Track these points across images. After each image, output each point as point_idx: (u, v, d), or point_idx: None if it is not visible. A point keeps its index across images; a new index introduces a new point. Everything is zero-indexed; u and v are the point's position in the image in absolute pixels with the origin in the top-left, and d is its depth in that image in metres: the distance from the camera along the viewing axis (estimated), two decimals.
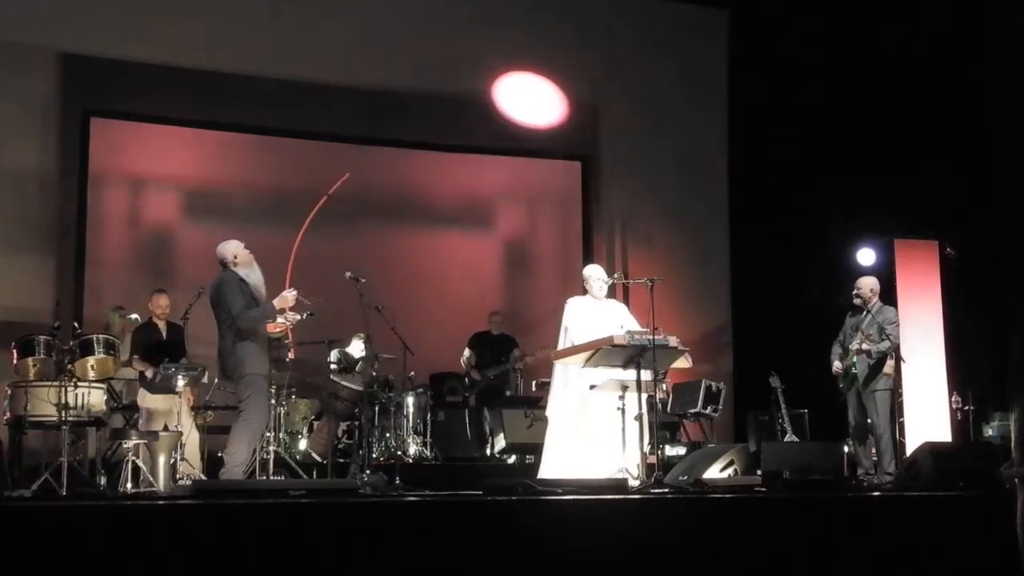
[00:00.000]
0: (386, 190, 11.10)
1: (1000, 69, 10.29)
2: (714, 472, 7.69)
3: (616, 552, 5.82)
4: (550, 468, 7.62)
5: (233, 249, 7.45)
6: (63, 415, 7.20)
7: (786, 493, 7.10)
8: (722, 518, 6.25)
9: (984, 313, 10.20)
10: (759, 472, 7.65)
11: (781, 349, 10.24)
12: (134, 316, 9.06)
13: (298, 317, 7.59)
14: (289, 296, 7.40)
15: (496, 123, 11.61)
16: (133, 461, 7.23)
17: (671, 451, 9.51)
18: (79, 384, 7.51)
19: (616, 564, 5.81)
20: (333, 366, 8.96)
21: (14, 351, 7.93)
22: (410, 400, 9.46)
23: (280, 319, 7.46)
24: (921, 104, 10.80)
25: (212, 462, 8.21)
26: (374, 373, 8.63)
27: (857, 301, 8.74)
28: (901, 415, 9.89)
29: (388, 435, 9.04)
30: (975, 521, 6.39)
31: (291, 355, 8.09)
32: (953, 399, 10.03)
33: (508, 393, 10.50)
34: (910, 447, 9.42)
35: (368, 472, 7.48)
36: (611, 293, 8.09)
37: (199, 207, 10.62)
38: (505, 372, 10.53)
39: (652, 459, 7.56)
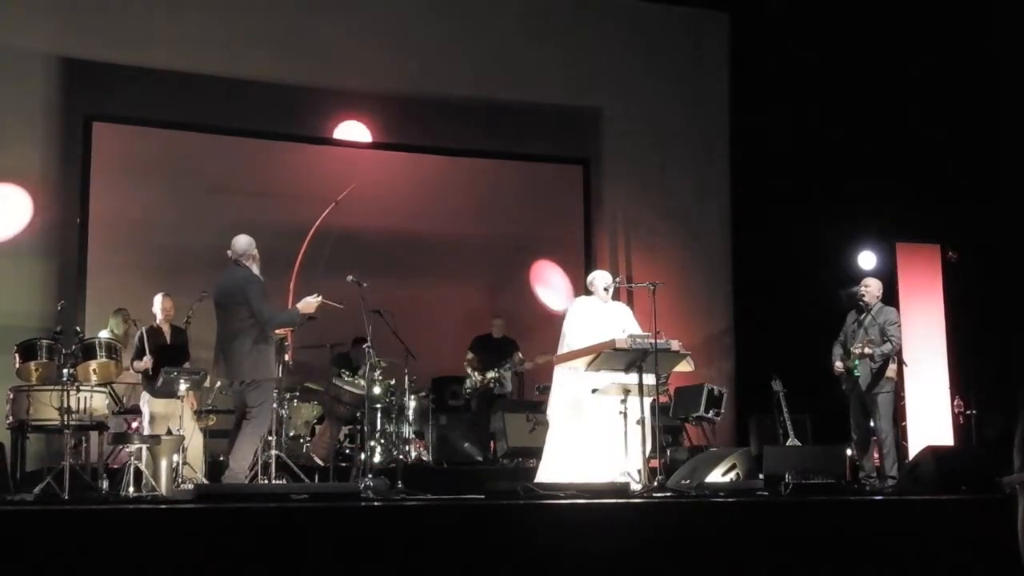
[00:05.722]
0: (387, 194, 11.10)
1: (1006, 70, 10.31)
2: (716, 476, 7.69)
3: (618, 556, 5.83)
4: (549, 471, 7.62)
5: (250, 246, 7.33)
6: (65, 419, 7.21)
7: (788, 497, 7.11)
8: (724, 522, 6.25)
9: (986, 317, 10.19)
10: (761, 476, 7.66)
11: (783, 352, 10.23)
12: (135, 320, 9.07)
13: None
14: (314, 301, 7.31)
15: (497, 127, 11.62)
16: (135, 465, 7.22)
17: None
18: (81, 388, 7.51)
19: (618, 568, 5.81)
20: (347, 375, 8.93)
21: (16, 355, 7.93)
22: (412, 404, 9.46)
23: None
24: (923, 106, 10.80)
25: (214, 466, 8.21)
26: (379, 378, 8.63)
27: (861, 302, 8.73)
28: (904, 419, 9.89)
29: (390, 439, 9.03)
30: (977, 524, 6.39)
31: (288, 357, 8.07)
32: (955, 403, 10.03)
33: (508, 395, 10.51)
34: (912, 450, 9.42)
35: (370, 476, 7.48)
36: (614, 297, 8.11)
37: (201, 212, 10.62)
38: (503, 375, 10.53)
39: (654, 463, 7.56)
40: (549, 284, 11.86)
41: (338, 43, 11.08)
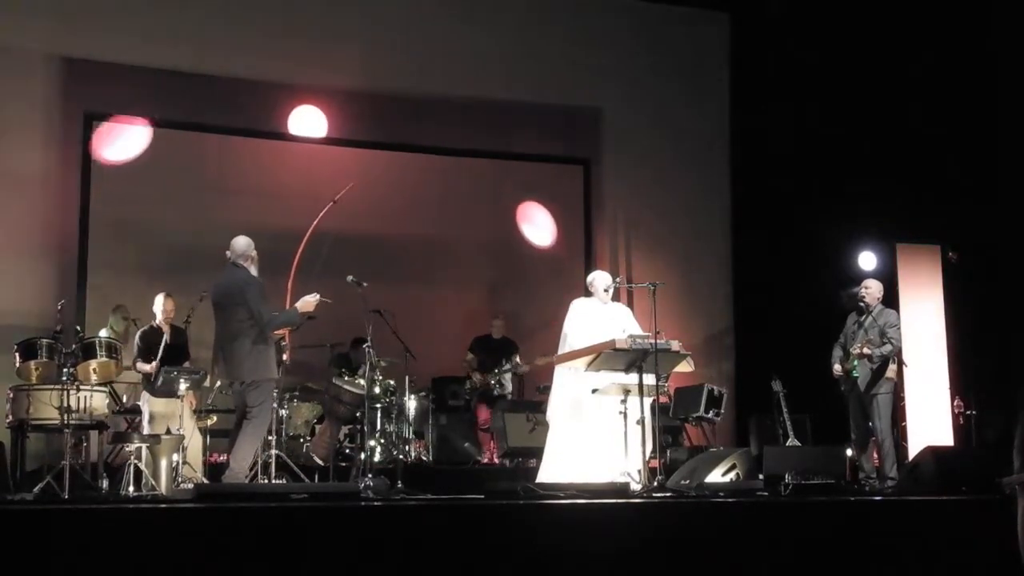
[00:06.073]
0: (388, 194, 11.10)
1: (1006, 70, 10.31)
2: (716, 476, 7.69)
3: (618, 556, 5.83)
4: (549, 471, 7.62)
5: (249, 247, 7.35)
6: (65, 418, 7.21)
7: (788, 497, 7.11)
8: (724, 522, 6.25)
9: (986, 317, 10.19)
10: (761, 476, 7.66)
11: (783, 353, 10.23)
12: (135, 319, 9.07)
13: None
14: (312, 300, 7.34)
15: (497, 127, 11.62)
16: (135, 464, 7.22)
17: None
18: (81, 387, 7.52)
19: (618, 568, 5.81)
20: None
21: (16, 354, 7.94)
22: (412, 404, 9.45)
23: None
24: (923, 106, 10.80)
25: (214, 466, 8.22)
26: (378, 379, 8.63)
27: (861, 303, 8.73)
28: (904, 419, 9.89)
29: (390, 439, 9.03)
30: (977, 524, 6.39)
31: (286, 356, 8.08)
32: (955, 403, 10.03)
33: (508, 396, 10.50)
34: (912, 451, 9.43)
35: (370, 476, 7.48)
36: (614, 297, 8.11)
37: (201, 212, 10.61)
38: (503, 376, 10.52)
39: (654, 463, 7.56)
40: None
41: (338, 42, 11.07)
